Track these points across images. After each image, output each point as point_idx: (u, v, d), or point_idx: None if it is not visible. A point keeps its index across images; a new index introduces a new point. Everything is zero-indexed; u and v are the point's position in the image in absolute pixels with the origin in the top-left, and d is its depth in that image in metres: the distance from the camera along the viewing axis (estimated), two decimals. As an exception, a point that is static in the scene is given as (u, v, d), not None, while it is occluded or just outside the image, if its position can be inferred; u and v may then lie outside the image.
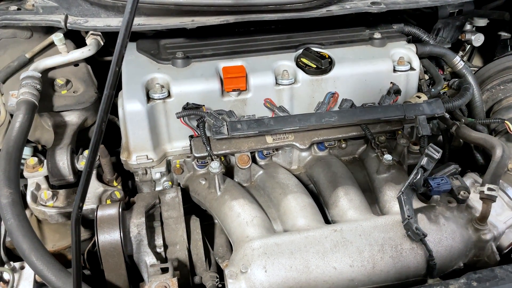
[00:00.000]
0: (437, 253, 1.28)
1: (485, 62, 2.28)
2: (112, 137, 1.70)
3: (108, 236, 1.30)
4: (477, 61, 2.38)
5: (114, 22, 1.61)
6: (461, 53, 2.14)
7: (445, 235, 1.31)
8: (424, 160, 1.27)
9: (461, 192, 1.36)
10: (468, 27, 2.09)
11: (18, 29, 1.70)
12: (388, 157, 1.48)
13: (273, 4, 1.58)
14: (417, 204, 1.39)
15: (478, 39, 2.09)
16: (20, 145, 1.37)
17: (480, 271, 1.22)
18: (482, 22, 2.09)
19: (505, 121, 1.67)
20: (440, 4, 1.81)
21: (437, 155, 1.26)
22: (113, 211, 1.35)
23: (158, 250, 1.39)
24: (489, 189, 1.32)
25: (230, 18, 1.59)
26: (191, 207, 1.57)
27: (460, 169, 1.57)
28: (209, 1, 1.53)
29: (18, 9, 1.66)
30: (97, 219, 1.33)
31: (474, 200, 1.40)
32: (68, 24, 1.60)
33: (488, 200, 1.32)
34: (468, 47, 2.16)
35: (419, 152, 1.58)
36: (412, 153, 1.60)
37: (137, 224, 1.37)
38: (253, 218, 1.37)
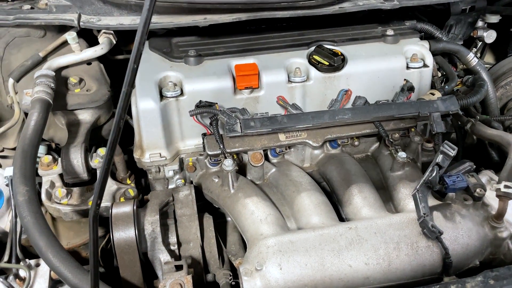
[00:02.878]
0: (453, 251, 1.27)
1: (497, 59, 2.26)
2: (125, 135, 1.71)
3: (123, 234, 1.31)
4: (488, 58, 2.36)
5: (127, 20, 1.62)
6: (474, 49, 2.12)
7: (461, 232, 1.30)
8: (439, 158, 1.26)
9: (477, 190, 1.35)
10: (480, 23, 2.07)
11: (31, 28, 1.71)
12: (402, 154, 1.46)
13: (285, 2, 1.58)
14: (432, 201, 1.38)
15: (490, 36, 2.06)
16: (35, 143, 1.38)
17: (497, 269, 1.22)
18: (494, 19, 2.07)
19: (520, 118, 1.66)
20: (453, 0, 1.79)
21: (452, 153, 1.25)
22: (127, 208, 1.35)
23: (172, 247, 1.39)
24: (505, 186, 1.31)
25: (243, 16, 1.59)
26: (203, 205, 1.58)
27: (475, 166, 1.55)
28: (221, -1, 1.54)
29: (32, 8, 1.67)
30: (112, 216, 1.33)
31: (490, 197, 1.39)
32: (81, 23, 1.61)
33: (504, 197, 1.31)
34: (480, 44, 2.14)
35: (433, 150, 1.58)
36: (425, 150, 1.59)
37: (151, 221, 1.37)
38: (267, 216, 1.37)
